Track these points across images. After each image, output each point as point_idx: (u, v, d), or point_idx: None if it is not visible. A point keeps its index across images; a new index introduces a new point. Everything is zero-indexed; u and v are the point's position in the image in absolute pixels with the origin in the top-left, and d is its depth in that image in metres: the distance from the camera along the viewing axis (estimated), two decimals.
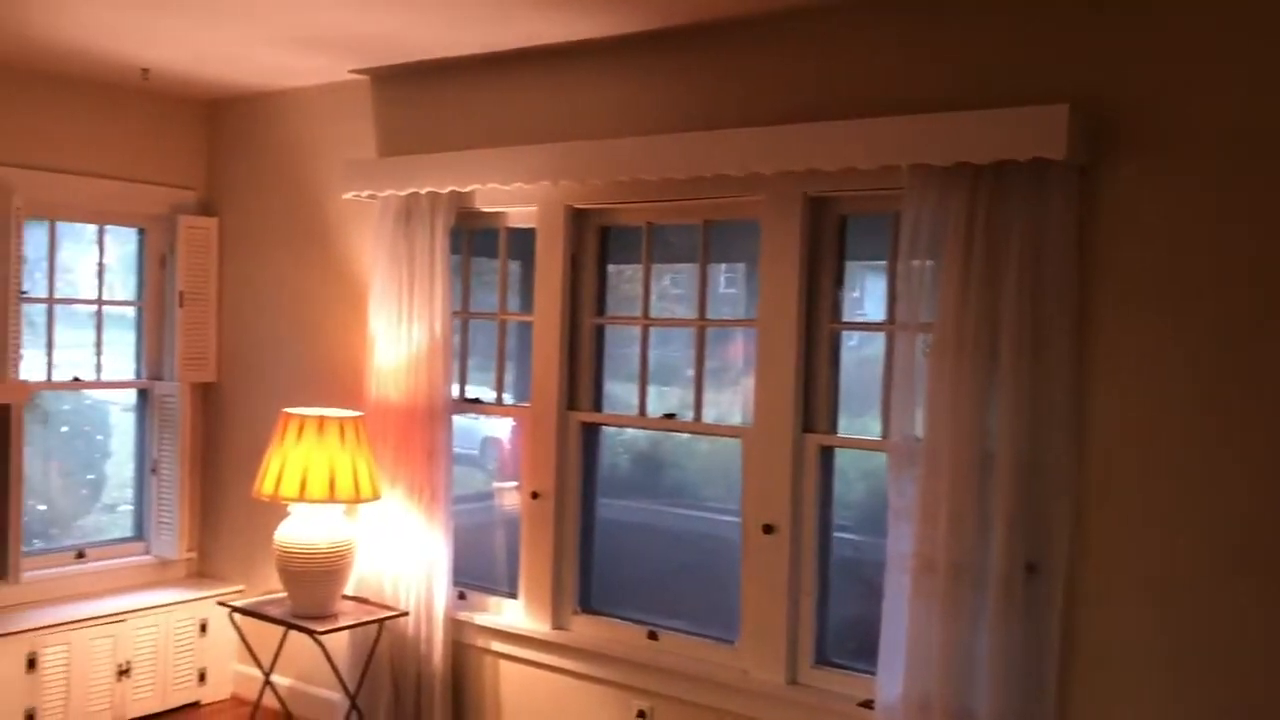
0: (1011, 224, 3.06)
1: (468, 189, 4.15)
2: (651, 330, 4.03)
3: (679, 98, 3.78)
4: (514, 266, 4.45)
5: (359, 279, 4.67)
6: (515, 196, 4.13)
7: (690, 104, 3.74)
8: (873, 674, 3.32)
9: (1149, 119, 2.97)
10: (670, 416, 4.01)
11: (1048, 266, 3.03)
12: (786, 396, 3.61)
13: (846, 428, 3.64)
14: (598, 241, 4.14)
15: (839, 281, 3.63)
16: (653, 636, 3.95)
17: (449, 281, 4.28)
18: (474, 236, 4.49)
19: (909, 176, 3.20)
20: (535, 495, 4.18)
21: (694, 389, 3.89)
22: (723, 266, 4.16)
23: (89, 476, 5.37)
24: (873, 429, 3.58)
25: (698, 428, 3.95)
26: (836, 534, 3.69)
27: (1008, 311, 3.04)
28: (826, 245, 3.62)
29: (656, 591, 4.23)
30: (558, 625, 4.15)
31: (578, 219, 4.12)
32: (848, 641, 3.69)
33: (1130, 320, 3.00)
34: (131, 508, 5.28)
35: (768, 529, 3.64)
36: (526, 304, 4.37)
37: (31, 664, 4.39)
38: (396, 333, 4.35)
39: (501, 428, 4.94)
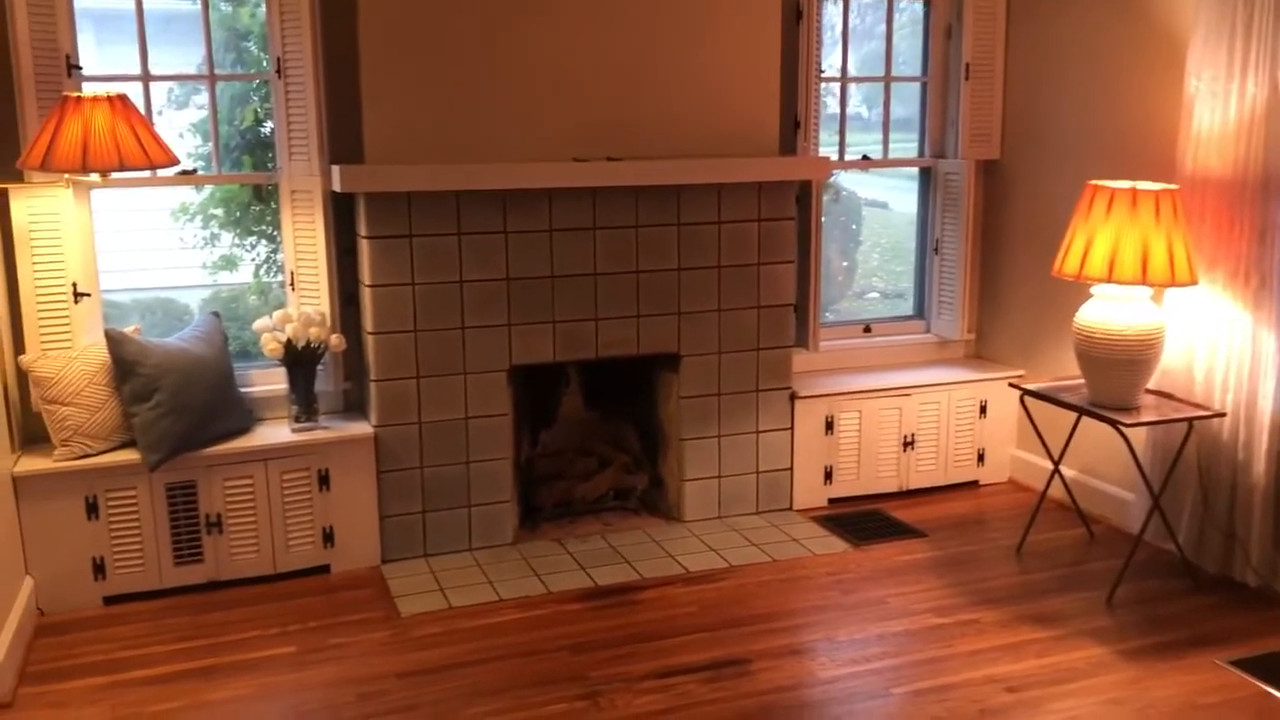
0: None
1: None
2: None
3: None
4: None
5: (1171, 32, 4.03)
6: None
7: None
8: None
9: None
10: None
11: None
12: None
13: None
14: None
15: None
16: None
17: None
18: None
19: None
20: None
21: None
22: None
23: (843, 264, 5.54)
24: None
25: None
26: None
27: None
28: None
29: None
30: None
31: None
32: None
33: None
34: (878, 296, 5.39)
35: None
36: None
37: (829, 426, 4.70)
38: (1224, 90, 3.70)
39: None
